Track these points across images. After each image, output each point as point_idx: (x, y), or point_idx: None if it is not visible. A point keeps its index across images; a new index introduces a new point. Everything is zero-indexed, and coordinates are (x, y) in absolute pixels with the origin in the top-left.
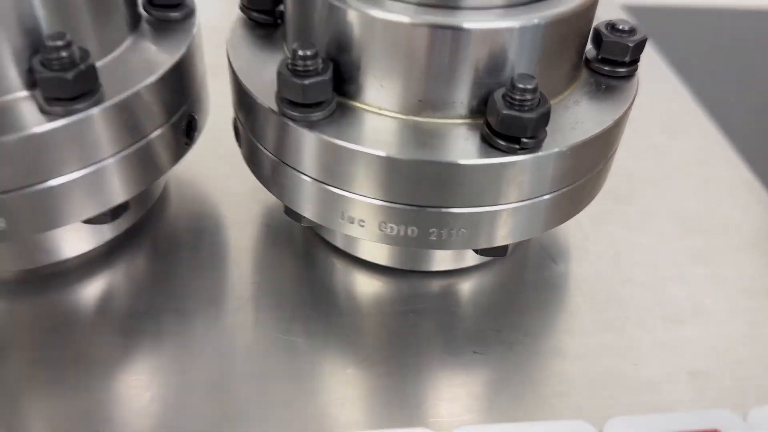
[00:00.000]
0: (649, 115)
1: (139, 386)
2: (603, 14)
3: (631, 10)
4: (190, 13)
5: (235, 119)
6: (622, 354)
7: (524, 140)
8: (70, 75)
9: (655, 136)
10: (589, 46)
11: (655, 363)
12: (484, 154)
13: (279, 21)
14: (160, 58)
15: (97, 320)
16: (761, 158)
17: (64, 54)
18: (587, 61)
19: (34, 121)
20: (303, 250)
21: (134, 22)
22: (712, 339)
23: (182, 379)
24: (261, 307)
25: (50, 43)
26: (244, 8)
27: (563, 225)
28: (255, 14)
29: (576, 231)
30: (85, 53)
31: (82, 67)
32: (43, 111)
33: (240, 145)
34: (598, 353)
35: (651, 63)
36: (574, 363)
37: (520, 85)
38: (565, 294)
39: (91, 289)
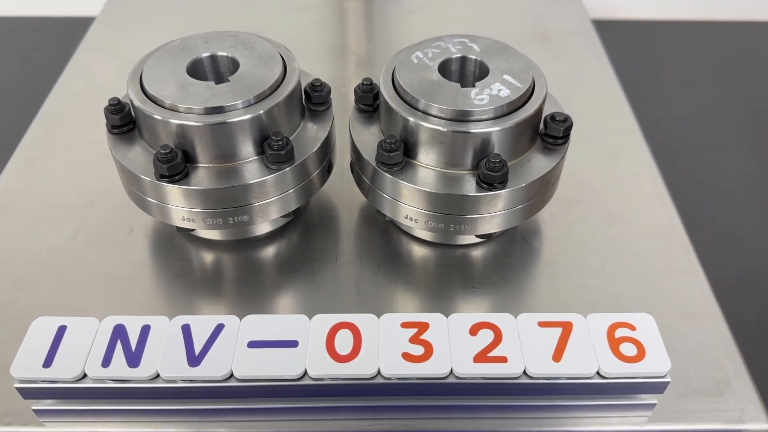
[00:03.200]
0: (599, 142)
1: (294, 305)
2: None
3: (599, 23)
4: (330, 106)
5: (351, 162)
6: (554, 290)
7: (495, 184)
8: (283, 152)
9: (600, 159)
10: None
11: (570, 296)
12: (479, 190)
13: (376, 109)
14: (318, 135)
15: (272, 266)
16: (683, 168)
17: (279, 141)
18: (540, 134)
19: (265, 173)
20: (384, 231)
21: (303, 114)
22: (608, 287)
23: (318, 292)
24: (361, 260)
25: (274, 137)
26: (356, 101)
27: (531, 219)
28: (363, 107)
29: (540, 223)
30: (287, 140)
31: (288, 147)
32: (269, 168)
33: (353, 175)
34: (544, 285)
35: (610, 88)
36: (533, 291)
37: (493, 159)
38: (531, 258)
39: (270, 249)
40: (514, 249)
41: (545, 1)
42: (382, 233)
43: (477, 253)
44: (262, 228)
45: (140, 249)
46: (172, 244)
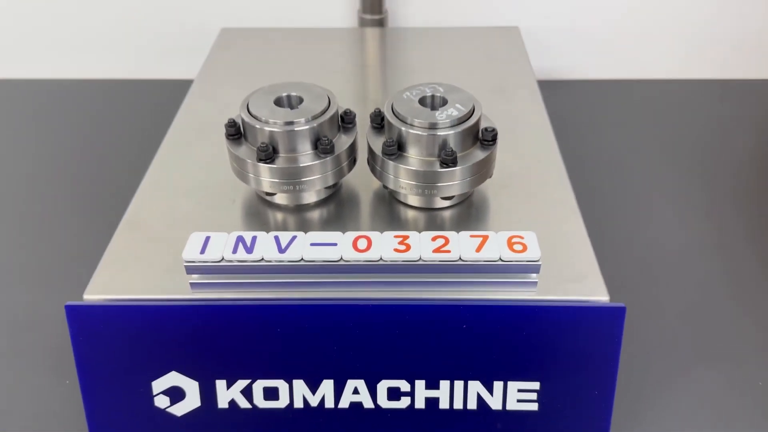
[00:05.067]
0: (519, 150)
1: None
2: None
3: (545, 84)
4: (354, 125)
5: (367, 158)
6: (486, 228)
7: (450, 165)
8: (328, 148)
9: (517, 163)
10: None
11: (494, 228)
12: (441, 167)
13: (382, 126)
14: (347, 140)
15: (318, 221)
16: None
17: (326, 141)
18: (479, 138)
19: (316, 160)
20: (387, 201)
21: (339, 129)
22: (515, 225)
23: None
24: (372, 219)
25: (322, 139)
26: (371, 121)
27: (480, 187)
28: (374, 125)
29: (485, 191)
30: (330, 141)
31: (330, 145)
32: (319, 157)
33: (369, 165)
34: (480, 227)
35: (542, 132)
36: (474, 229)
37: (448, 151)
38: (477, 217)
39: (316, 212)
40: (469, 212)
41: (505, 66)
42: (386, 203)
43: (445, 213)
44: (313, 197)
45: (240, 211)
46: (258, 210)
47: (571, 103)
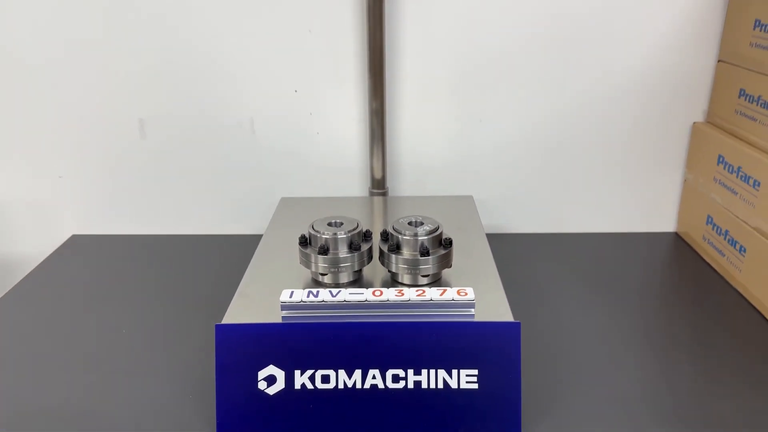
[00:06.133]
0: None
1: None
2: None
3: (493, 237)
4: (371, 238)
5: (379, 255)
6: (454, 281)
7: (425, 256)
8: (356, 248)
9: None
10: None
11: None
12: (421, 256)
13: (387, 238)
14: (367, 246)
15: None
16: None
17: (356, 245)
18: (442, 243)
19: (348, 254)
20: (390, 280)
21: (363, 239)
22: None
23: None
24: (381, 287)
25: (353, 244)
26: (381, 236)
27: (444, 272)
28: (382, 239)
29: (447, 276)
30: (359, 245)
31: (358, 248)
32: (351, 253)
33: (380, 259)
34: (451, 285)
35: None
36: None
37: (424, 249)
38: (444, 282)
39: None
40: (438, 285)
41: (463, 217)
42: (389, 281)
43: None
44: (346, 277)
45: (304, 287)
46: (314, 287)
47: (507, 247)
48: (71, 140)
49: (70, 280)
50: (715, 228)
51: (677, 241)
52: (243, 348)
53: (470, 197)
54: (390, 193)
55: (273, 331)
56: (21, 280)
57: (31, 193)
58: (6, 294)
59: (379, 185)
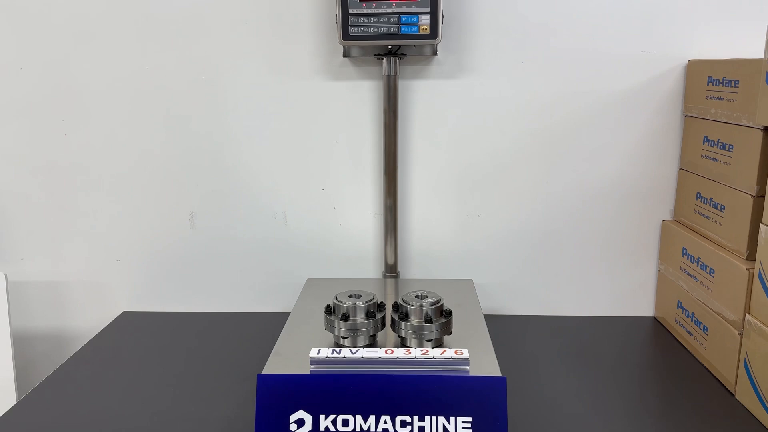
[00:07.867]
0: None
1: None
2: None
3: (489, 317)
4: (384, 308)
5: (391, 323)
6: (453, 345)
7: (431, 323)
8: (372, 314)
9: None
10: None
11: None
12: (426, 325)
13: (398, 309)
14: (381, 315)
15: None
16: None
17: (372, 314)
18: (443, 314)
19: (365, 320)
20: (400, 344)
21: (377, 309)
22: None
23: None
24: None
25: (369, 312)
26: (392, 308)
27: (444, 338)
28: (393, 311)
29: (447, 341)
30: (374, 314)
31: (373, 315)
32: (367, 319)
33: (391, 326)
34: (450, 347)
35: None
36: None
37: (428, 318)
38: (445, 345)
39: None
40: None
41: (462, 299)
42: (399, 345)
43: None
44: (363, 341)
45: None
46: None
47: (501, 326)
48: (128, 228)
49: (121, 351)
50: (684, 311)
51: (655, 324)
52: (278, 395)
53: (470, 281)
54: (401, 276)
55: (303, 381)
56: (77, 351)
57: (89, 273)
58: (62, 365)
59: (391, 269)
